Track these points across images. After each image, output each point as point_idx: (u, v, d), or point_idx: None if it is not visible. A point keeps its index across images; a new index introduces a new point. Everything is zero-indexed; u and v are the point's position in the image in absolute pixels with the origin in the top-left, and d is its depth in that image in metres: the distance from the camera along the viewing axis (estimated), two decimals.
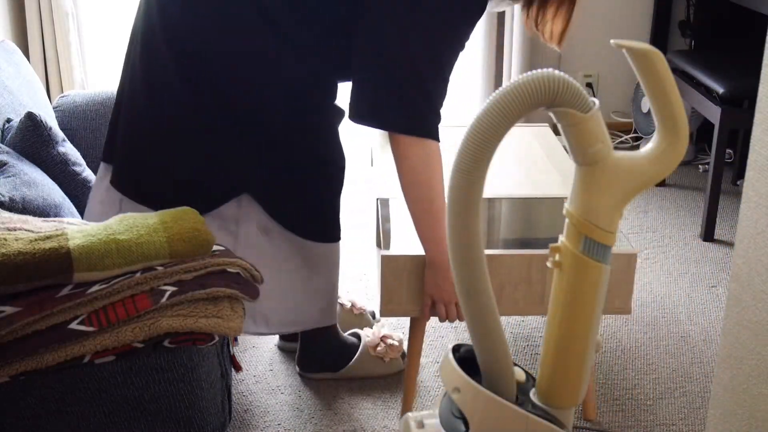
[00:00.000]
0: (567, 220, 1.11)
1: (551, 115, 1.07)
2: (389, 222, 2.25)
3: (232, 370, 2.04)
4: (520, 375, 1.19)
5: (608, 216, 1.09)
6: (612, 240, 1.10)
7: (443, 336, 2.64)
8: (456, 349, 1.19)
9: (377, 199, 2.38)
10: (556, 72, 1.02)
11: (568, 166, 2.60)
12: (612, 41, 1.08)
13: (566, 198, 2.30)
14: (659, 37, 4.17)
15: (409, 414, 1.22)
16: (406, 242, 2.11)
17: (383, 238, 2.16)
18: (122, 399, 1.79)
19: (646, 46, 1.06)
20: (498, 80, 4.06)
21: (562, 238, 1.12)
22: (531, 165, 2.61)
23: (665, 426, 2.27)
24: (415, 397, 2.38)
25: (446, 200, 1.11)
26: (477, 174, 1.04)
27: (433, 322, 2.69)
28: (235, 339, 2.56)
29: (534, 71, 1.02)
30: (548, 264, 1.13)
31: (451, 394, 1.15)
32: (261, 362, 2.52)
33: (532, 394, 1.20)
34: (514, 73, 3.97)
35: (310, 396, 2.37)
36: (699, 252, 3.22)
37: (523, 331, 2.69)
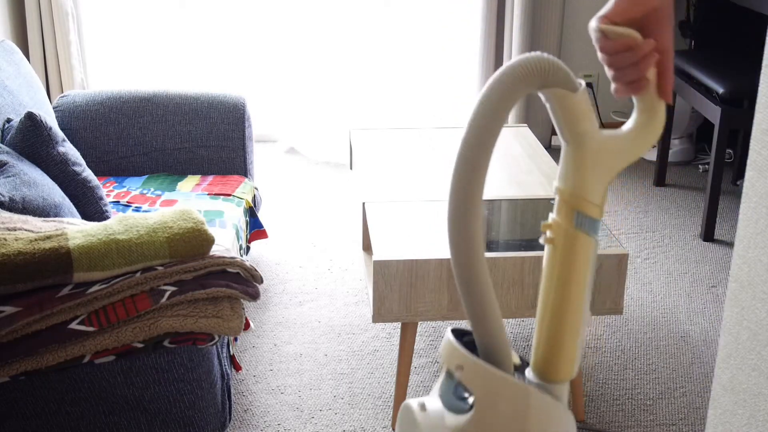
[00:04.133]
0: (557, 197, 1.15)
1: (541, 95, 1.10)
2: (376, 226, 2.24)
3: (232, 370, 2.05)
4: (514, 358, 1.22)
5: (597, 191, 1.14)
6: (600, 214, 1.15)
7: (443, 336, 2.64)
8: (453, 332, 1.21)
9: (363, 203, 2.37)
10: (544, 54, 1.06)
11: (551, 166, 2.61)
12: (594, 23, 1.11)
13: (551, 199, 2.32)
14: None
15: (409, 400, 1.23)
16: (395, 247, 2.10)
17: (373, 243, 2.15)
18: (122, 399, 1.79)
19: (626, 30, 1.09)
20: None
21: (552, 215, 1.15)
22: (514, 166, 2.61)
23: (665, 426, 2.27)
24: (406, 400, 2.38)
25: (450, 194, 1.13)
26: (480, 162, 1.07)
27: (433, 323, 2.70)
28: (235, 339, 2.56)
29: (523, 55, 1.04)
30: (540, 241, 1.17)
31: (454, 372, 1.17)
32: (261, 362, 2.53)
33: (528, 373, 1.22)
34: None
35: (310, 396, 2.38)
36: (699, 252, 3.22)
37: (523, 332, 2.69)
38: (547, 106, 1.11)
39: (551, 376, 1.18)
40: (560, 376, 1.18)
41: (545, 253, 1.15)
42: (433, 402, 1.21)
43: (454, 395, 1.20)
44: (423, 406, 1.20)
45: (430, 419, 1.19)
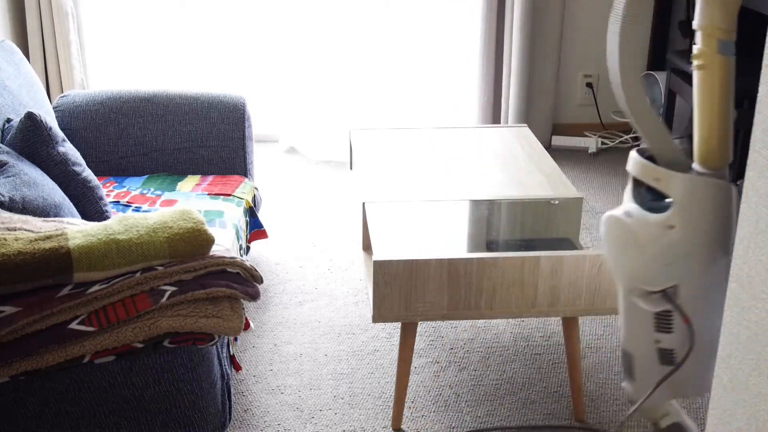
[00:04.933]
0: (699, 33, 1.53)
1: None
2: (377, 226, 2.25)
3: (232, 370, 2.05)
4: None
5: (726, 19, 1.53)
6: (733, 36, 1.53)
7: (443, 336, 2.64)
8: (638, 152, 1.67)
9: (363, 203, 2.37)
10: None
11: (551, 166, 2.61)
12: None
13: (551, 199, 2.34)
14: (659, 37, 4.17)
15: (609, 212, 1.63)
16: (395, 246, 2.10)
17: (373, 243, 2.15)
18: (122, 399, 1.79)
19: None
20: (498, 80, 4.06)
21: (699, 47, 1.55)
22: (514, 166, 2.61)
23: None
24: (406, 400, 2.38)
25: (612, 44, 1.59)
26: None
27: (433, 323, 2.70)
28: (235, 339, 2.56)
29: None
30: (692, 68, 1.58)
31: (652, 183, 1.60)
32: (261, 362, 2.53)
33: (695, 166, 1.65)
34: (513, 73, 3.97)
35: (310, 396, 2.38)
36: None
37: (522, 332, 2.69)
38: None
39: (713, 164, 1.58)
40: (718, 162, 1.59)
41: (694, 77, 1.54)
42: (632, 209, 1.62)
43: (650, 200, 1.62)
44: (628, 214, 1.59)
45: (638, 221, 1.57)
